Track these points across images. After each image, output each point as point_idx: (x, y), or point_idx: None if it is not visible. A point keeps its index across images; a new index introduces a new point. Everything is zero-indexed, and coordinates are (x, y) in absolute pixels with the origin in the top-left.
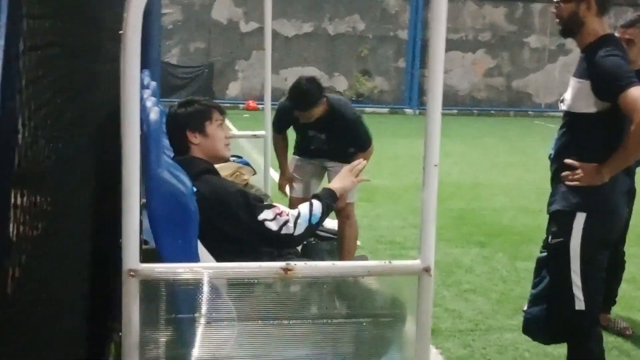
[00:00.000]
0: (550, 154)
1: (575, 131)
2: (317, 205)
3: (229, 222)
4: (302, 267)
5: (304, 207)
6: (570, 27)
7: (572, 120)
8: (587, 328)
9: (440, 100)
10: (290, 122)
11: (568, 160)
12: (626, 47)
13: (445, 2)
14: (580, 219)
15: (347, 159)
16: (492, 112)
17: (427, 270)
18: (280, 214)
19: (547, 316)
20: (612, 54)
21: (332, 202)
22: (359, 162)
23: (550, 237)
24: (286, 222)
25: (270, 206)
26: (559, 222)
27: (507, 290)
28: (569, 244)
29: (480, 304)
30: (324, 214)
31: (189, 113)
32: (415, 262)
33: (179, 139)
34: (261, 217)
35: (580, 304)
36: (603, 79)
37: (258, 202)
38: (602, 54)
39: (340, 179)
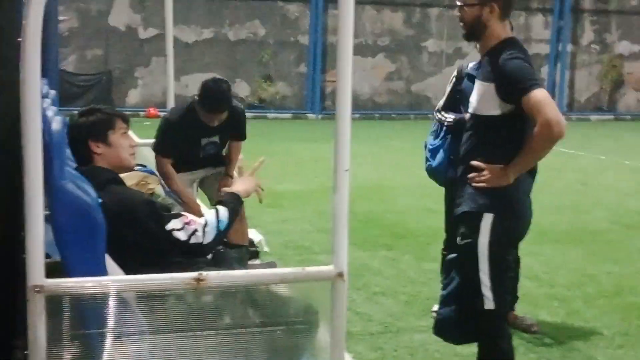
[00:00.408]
0: (431, 164)
1: (481, 133)
2: (222, 211)
3: (137, 232)
4: (214, 276)
5: (210, 215)
6: (473, 30)
7: (477, 122)
8: (497, 327)
9: (349, 104)
10: (180, 137)
11: (474, 162)
12: None
13: (352, 6)
14: (487, 219)
15: (222, 163)
16: (393, 115)
17: (340, 275)
18: (188, 223)
19: (457, 316)
20: (515, 56)
21: (237, 205)
22: (260, 162)
23: (459, 238)
24: (195, 231)
25: (178, 215)
26: (467, 224)
27: (415, 291)
28: (477, 244)
29: (389, 306)
30: (232, 219)
31: (91, 122)
32: (329, 268)
33: (81, 149)
34: (169, 226)
35: (489, 303)
36: (507, 81)
37: (165, 212)
38: (505, 57)
39: (241, 182)
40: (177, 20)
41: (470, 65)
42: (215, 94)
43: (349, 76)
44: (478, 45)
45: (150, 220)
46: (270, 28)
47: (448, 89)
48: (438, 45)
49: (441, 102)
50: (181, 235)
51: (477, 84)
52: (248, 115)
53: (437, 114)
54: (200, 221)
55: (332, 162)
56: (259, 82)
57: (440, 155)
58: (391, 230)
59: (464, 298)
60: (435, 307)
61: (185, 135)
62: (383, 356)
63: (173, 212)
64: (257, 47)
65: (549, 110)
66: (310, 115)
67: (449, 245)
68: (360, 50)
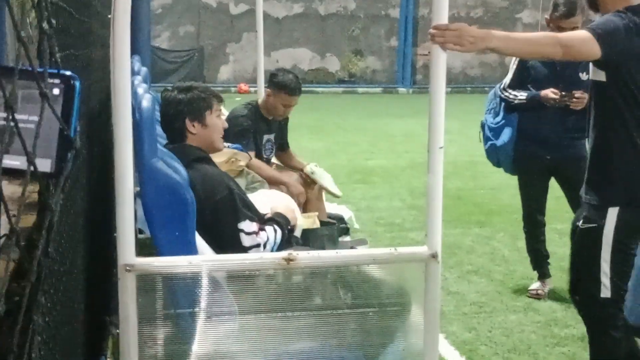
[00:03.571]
0: (495, 143)
1: (595, 100)
2: (279, 232)
3: (211, 215)
4: (305, 256)
5: (271, 233)
6: (590, 6)
7: (592, 88)
8: (610, 316)
9: (444, 80)
10: (252, 130)
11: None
12: None
13: None
14: (614, 210)
15: None
16: (486, 89)
17: (434, 256)
18: (257, 233)
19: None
20: (611, 15)
21: (287, 226)
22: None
23: (581, 222)
24: (258, 245)
25: (253, 219)
26: (592, 210)
27: (509, 270)
28: (602, 231)
29: (483, 286)
30: (282, 241)
31: (190, 100)
32: (422, 249)
33: (175, 126)
34: (241, 225)
35: (606, 292)
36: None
37: (246, 209)
38: (600, 17)
39: (282, 201)
40: None
41: None
42: (295, 79)
43: (443, 55)
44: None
45: (226, 208)
46: (360, 1)
47: (513, 67)
48: (533, 16)
49: (507, 81)
50: (245, 241)
51: None
52: (339, 89)
53: (503, 92)
54: (264, 237)
55: (423, 137)
56: (349, 56)
57: (506, 134)
58: (484, 207)
59: (580, 284)
60: (532, 287)
61: (253, 129)
62: (477, 337)
63: (261, 190)
64: (347, 21)
65: (572, 40)
66: (401, 90)
67: (532, 222)
68: (452, 22)
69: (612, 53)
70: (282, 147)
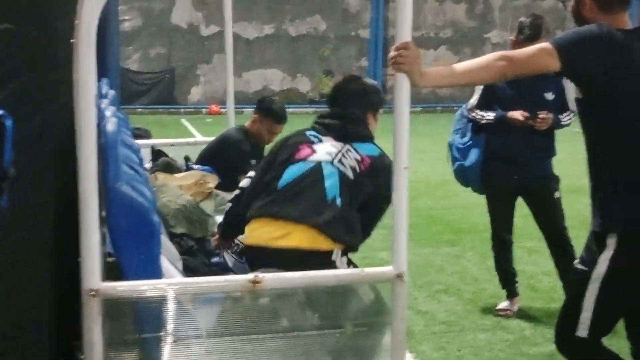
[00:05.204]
0: (463, 164)
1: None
2: None
3: (373, 203)
4: (271, 278)
5: None
6: (577, 24)
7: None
8: (584, 355)
9: (408, 100)
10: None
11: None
12: None
13: (410, 1)
14: (612, 240)
15: None
16: (455, 108)
17: (400, 276)
18: None
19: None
20: (586, 26)
21: None
22: None
23: (577, 261)
24: None
25: None
26: (592, 242)
27: (479, 289)
28: (592, 273)
29: (452, 305)
30: None
31: (375, 93)
32: (388, 269)
33: (356, 112)
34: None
35: (583, 332)
36: None
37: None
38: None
39: None
40: (238, 17)
41: None
42: (282, 105)
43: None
44: None
45: (382, 211)
46: (331, 23)
47: (480, 87)
48: (501, 36)
49: (473, 101)
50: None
51: None
52: (310, 109)
53: (470, 112)
54: None
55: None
56: (320, 77)
57: (474, 154)
58: (454, 226)
59: (563, 313)
60: (500, 305)
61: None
62: (446, 356)
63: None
64: (318, 42)
65: (519, 52)
66: None
67: (499, 240)
68: (422, 42)
69: (572, 64)
70: None
